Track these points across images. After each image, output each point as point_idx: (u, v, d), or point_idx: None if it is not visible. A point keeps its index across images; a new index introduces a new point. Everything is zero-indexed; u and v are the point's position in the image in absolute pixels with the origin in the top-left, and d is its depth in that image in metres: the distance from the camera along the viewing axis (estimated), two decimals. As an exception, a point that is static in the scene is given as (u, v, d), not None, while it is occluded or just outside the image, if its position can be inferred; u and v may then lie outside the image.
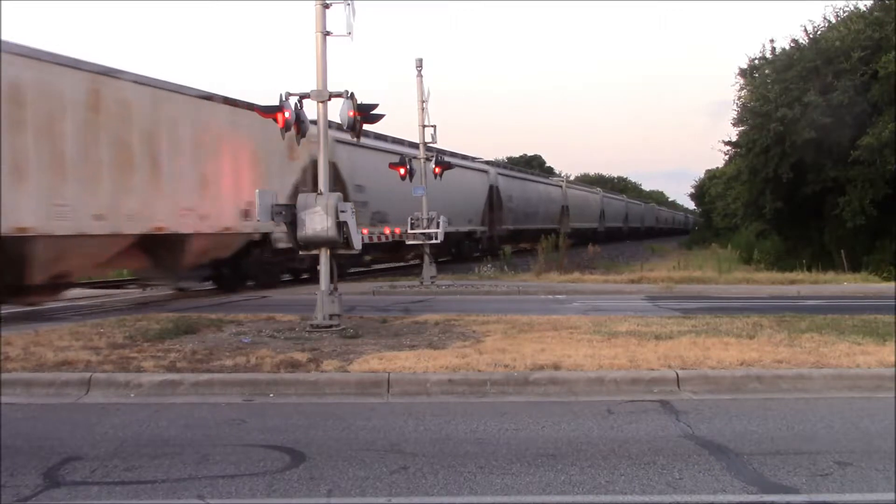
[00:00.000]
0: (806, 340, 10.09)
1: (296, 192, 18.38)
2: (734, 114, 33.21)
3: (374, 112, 12.23)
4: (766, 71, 31.66)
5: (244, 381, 8.16)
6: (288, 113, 11.67)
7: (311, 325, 11.59)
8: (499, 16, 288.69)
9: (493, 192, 39.24)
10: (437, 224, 21.53)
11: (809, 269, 24.28)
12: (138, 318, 12.73)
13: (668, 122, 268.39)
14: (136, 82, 16.31)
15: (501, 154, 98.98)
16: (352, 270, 24.74)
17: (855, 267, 25.40)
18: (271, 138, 16.13)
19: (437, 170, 22.39)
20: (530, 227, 43.83)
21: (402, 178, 21.80)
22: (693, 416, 7.02)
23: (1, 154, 12.90)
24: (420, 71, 21.71)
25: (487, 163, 32.96)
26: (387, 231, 26.53)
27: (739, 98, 32.99)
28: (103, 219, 15.01)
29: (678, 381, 8.15)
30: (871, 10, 29.45)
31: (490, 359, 8.83)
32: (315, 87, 11.81)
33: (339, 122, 12.57)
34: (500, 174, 42.52)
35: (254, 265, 20.73)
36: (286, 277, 23.15)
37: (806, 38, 30.86)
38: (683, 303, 16.63)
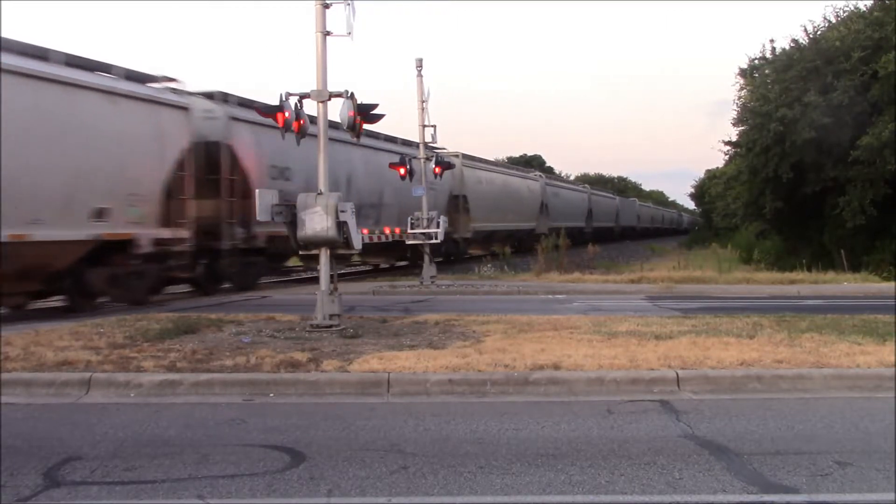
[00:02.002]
0: (806, 340, 10.08)
1: None
2: (734, 114, 33.27)
3: (373, 112, 12.24)
4: (766, 71, 31.67)
5: (244, 381, 8.15)
6: (288, 113, 11.68)
7: (311, 325, 11.59)
8: (499, 16, 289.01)
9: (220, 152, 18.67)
10: (438, 224, 21.57)
11: (809, 269, 24.29)
12: (138, 318, 12.72)
13: (668, 122, 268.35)
14: None
15: (501, 154, 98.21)
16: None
17: (855, 267, 25.39)
18: None
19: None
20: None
21: (405, 177, 21.82)
22: (693, 416, 7.02)
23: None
24: (420, 71, 21.72)
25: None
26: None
27: (739, 98, 33.04)
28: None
29: (678, 381, 8.15)
30: (871, 10, 29.44)
31: (490, 359, 8.82)
32: (315, 87, 11.81)
33: (339, 121, 12.56)
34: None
35: None
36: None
37: (806, 38, 30.88)
38: (683, 303, 16.62)
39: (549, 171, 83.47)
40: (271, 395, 7.96)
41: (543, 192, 47.26)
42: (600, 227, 61.75)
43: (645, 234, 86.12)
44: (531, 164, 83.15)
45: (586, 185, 69.63)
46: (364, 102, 12.11)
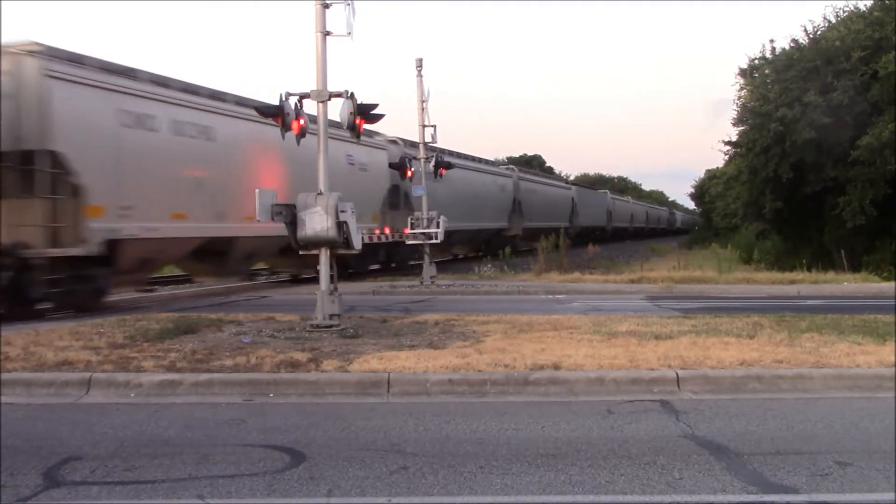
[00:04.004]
0: (806, 340, 10.08)
1: None
2: (734, 114, 33.25)
3: (373, 112, 12.24)
4: (766, 71, 31.64)
5: (244, 381, 8.15)
6: (288, 113, 11.67)
7: (311, 325, 11.59)
8: (499, 16, 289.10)
9: None
10: (438, 224, 21.58)
11: (809, 269, 24.29)
12: (138, 318, 12.72)
13: (668, 122, 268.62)
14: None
15: (501, 154, 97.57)
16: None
17: (855, 267, 25.39)
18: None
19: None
20: None
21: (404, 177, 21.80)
22: (693, 416, 7.01)
23: None
24: (420, 71, 21.74)
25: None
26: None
27: (739, 98, 33.00)
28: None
29: (678, 381, 8.14)
30: (871, 10, 29.44)
31: (490, 359, 8.82)
32: (315, 87, 11.81)
33: (339, 121, 12.55)
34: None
35: None
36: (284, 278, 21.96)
37: (806, 38, 30.89)
38: (683, 303, 16.62)
39: (549, 171, 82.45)
40: (271, 395, 7.96)
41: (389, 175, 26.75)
42: (537, 229, 38.74)
43: (621, 235, 68.06)
44: (531, 164, 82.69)
45: (512, 167, 47.22)
46: (364, 102, 12.11)
